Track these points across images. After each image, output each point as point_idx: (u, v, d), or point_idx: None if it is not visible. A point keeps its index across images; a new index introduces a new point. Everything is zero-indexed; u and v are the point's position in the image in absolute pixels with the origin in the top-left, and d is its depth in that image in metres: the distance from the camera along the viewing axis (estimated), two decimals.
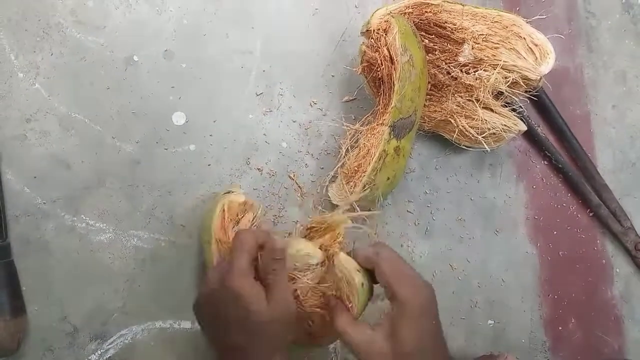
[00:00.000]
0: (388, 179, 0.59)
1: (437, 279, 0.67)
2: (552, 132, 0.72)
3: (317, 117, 0.66)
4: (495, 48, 0.62)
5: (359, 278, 0.50)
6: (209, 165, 0.63)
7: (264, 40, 0.66)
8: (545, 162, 0.72)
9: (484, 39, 0.62)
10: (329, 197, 0.63)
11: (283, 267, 0.50)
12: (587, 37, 0.75)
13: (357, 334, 0.48)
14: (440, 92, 0.64)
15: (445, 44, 0.63)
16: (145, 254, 0.60)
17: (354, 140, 0.63)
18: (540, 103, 0.71)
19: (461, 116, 0.63)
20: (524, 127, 0.64)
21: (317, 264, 0.52)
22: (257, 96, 0.65)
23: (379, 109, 0.62)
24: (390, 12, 0.62)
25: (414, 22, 0.62)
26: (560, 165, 0.71)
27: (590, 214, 0.72)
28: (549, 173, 0.72)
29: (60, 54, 0.60)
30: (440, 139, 0.68)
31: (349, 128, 0.64)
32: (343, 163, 0.63)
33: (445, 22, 0.63)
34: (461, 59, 0.62)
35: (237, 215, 0.57)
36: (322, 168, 0.66)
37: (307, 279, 0.52)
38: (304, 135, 0.66)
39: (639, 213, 0.73)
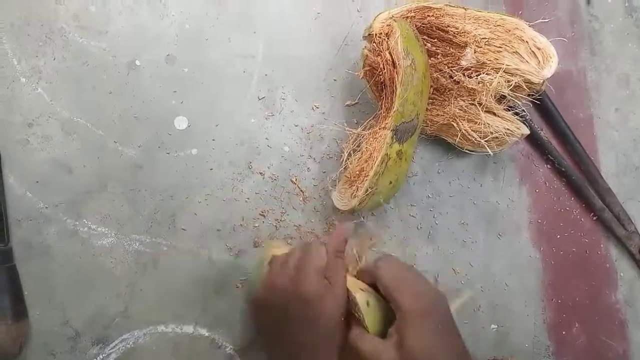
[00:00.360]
0: (390, 182, 0.59)
1: (440, 283, 0.66)
2: (555, 135, 0.72)
3: (319, 121, 0.66)
4: (498, 52, 0.62)
5: (361, 297, 0.50)
6: (211, 169, 0.63)
7: (266, 44, 0.66)
8: (548, 166, 0.72)
9: (487, 43, 0.62)
10: (332, 201, 0.63)
11: (342, 263, 0.53)
12: (590, 41, 0.75)
13: (367, 346, 0.49)
14: (442, 96, 0.64)
15: (448, 47, 0.63)
16: (147, 258, 0.60)
17: (356, 144, 0.63)
18: (543, 106, 0.71)
19: (464, 120, 0.63)
20: (527, 131, 0.64)
21: None
22: (259, 100, 0.65)
23: (381, 113, 0.62)
24: (393, 16, 0.62)
25: (416, 26, 0.62)
26: (563, 169, 0.71)
27: (594, 218, 0.72)
28: (552, 177, 0.72)
29: (63, 58, 0.60)
30: (443, 143, 0.68)
31: (351, 132, 0.63)
32: (345, 167, 0.63)
33: (448, 26, 0.63)
34: (463, 63, 0.62)
35: None
36: (324, 172, 0.65)
37: None
38: (306, 139, 0.66)
39: None
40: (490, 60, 0.61)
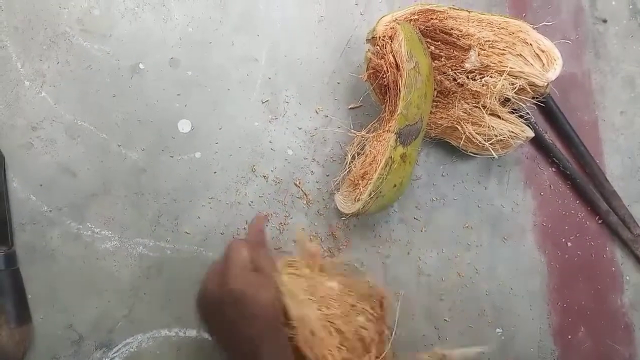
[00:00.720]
0: (394, 186, 0.59)
1: (444, 287, 0.66)
2: (560, 138, 0.72)
3: (322, 124, 0.66)
4: (502, 54, 0.62)
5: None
6: (214, 172, 0.63)
7: (270, 47, 0.66)
8: (553, 169, 0.71)
9: (490, 45, 0.62)
10: (335, 205, 0.63)
11: (265, 252, 0.54)
12: (595, 43, 0.75)
13: None
14: (446, 98, 0.64)
15: (452, 50, 0.63)
16: (151, 261, 0.60)
17: (360, 147, 0.63)
18: (548, 109, 0.70)
19: (468, 123, 0.63)
20: (531, 134, 0.64)
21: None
22: (263, 103, 0.65)
23: (385, 115, 0.62)
24: (396, 19, 0.61)
25: (419, 28, 0.62)
26: (568, 172, 0.70)
27: (599, 221, 0.71)
28: (556, 180, 0.71)
29: (67, 62, 0.61)
30: (447, 146, 0.67)
31: (354, 135, 0.63)
32: (349, 170, 0.63)
33: (451, 29, 0.63)
34: (467, 66, 0.62)
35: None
36: (328, 175, 0.65)
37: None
38: (310, 142, 0.66)
39: None
40: (494, 63, 0.61)
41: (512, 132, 0.62)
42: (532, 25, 0.63)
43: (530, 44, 0.62)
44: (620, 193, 0.71)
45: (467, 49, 0.62)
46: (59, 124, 0.60)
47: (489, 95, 0.61)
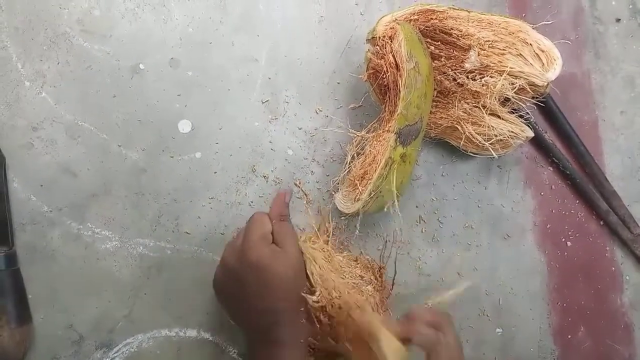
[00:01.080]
0: (394, 185, 0.59)
1: (444, 287, 0.66)
2: (560, 138, 0.72)
3: (322, 124, 0.66)
4: (502, 54, 0.62)
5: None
6: (214, 172, 0.63)
7: (270, 48, 0.66)
8: (553, 169, 0.71)
9: (490, 45, 0.62)
10: (335, 205, 0.63)
11: (288, 226, 0.55)
12: (594, 43, 0.75)
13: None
14: (446, 98, 0.64)
15: (451, 50, 0.63)
16: (151, 262, 0.60)
17: (360, 147, 0.63)
18: (548, 109, 0.71)
19: (468, 123, 0.63)
20: (531, 134, 0.64)
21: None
22: (263, 104, 0.65)
23: (384, 116, 0.62)
24: (396, 19, 0.62)
25: (419, 29, 0.62)
26: (568, 172, 0.70)
27: (599, 221, 0.72)
28: (556, 179, 0.71)
29: (67, 62, 0.61)
30: (447, 146, 0.67)
31: (354, 135, 0.63)
32: (349, 170, 0.63)
33: (451, 29, 0.63)
34: (467, 66, 0.62)
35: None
36: (328, 175, 0.65)
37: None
38: (310, 142, 0.66)
39: None
40: (494, 63, 0.61)
41: (512, 132, 0.62)
42: (532, 25, 0.63)
43: (530, 44, 0.62)
44: (620, 193, 0.71)
45: (467, 49, 0.62)
46: (60, 124, 0.60)
47: (488, 95, 0.61)
